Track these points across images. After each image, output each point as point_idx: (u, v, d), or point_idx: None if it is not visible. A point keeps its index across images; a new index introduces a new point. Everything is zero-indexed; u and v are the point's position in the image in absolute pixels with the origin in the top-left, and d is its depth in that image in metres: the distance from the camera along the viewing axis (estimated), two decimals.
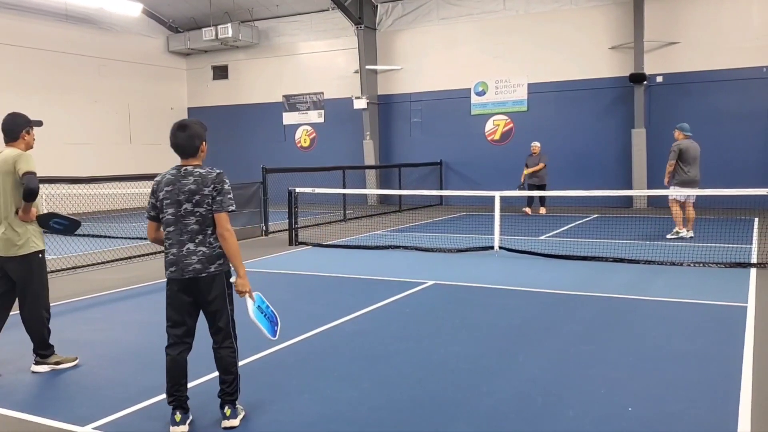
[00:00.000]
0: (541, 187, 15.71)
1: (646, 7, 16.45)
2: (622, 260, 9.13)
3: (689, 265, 8.72)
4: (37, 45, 18.84)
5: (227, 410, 3.89)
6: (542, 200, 16.24)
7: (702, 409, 4.02)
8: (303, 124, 21.97)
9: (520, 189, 15.98)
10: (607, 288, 7.49)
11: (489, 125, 18.93)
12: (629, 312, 6.53)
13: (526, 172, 16.15)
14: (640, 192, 13.37)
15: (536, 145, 16.29)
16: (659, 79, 16.74)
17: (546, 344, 5.45)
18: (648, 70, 16.53)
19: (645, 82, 16.51)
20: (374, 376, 4.72)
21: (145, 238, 12.41)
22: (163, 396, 3.94)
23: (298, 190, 12.16)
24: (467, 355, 5.20)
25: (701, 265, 8.71)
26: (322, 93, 21.53)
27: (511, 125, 18.67)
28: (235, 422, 3.87)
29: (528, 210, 16.05)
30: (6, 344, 5.80)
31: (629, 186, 16.65)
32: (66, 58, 19.63)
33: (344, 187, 16.12)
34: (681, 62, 16.51)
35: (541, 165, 15.94)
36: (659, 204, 15.98)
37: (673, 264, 8.82)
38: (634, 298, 7.04)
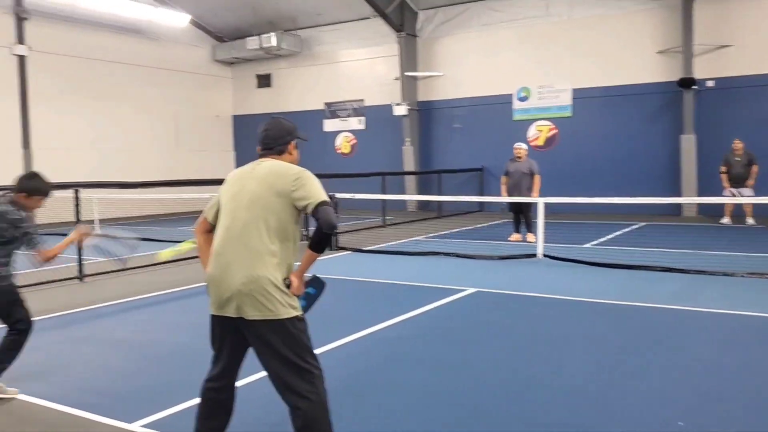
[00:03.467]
0: (527, 208, 12.00)
1: (696, 10, 16.08)
2: (670, 270, 8.88)
3: (743, 276, 8.43)
4: (91, 55, 19.42)
5: None
6: (529, 224, 12.04)
7: (761, 427, 3.88)
8: (343, 130, 22.11)
9: (503, 212, 12.59)
10: (655, 298, 7.30)
11: (532, 131, 18.74)
12: (678, 323, 6.35)
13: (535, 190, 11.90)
14: (689, 199, 13.01)
15: (522, 147, 12.41)
16: (710, 83, 16.31)
17: (592, 354, 5.33)
18: (698, 75, 16.14)
19: (694, 87, 16.12)
20: (415, 383, 4.69)
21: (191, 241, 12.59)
22: None
23: (337, 195, 12.22)
24: (511, 364, 5.13)
25: (756, 275, 8.41)
26: (363, 100, 21.63)
27: (555, 131, 18.44)
28: None
29: (517, 236, 12.35)
30: (57, 342, 5.97)
31: (678, 193, 16.23)
32: (117, 67, 20.18)
33: (384, 192, 16.14)
34: (733, 66, 16.06)
35: (538, 180, 12.01)
36: (711, 212, 15.53)
37: (725, 274, 8.52)
38: (683, 309, 6.83)
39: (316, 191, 3.14)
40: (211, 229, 3.36)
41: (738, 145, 14.13)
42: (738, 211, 14.52)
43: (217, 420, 3.30)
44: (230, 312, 3.09)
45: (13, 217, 4.49)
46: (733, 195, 13.65)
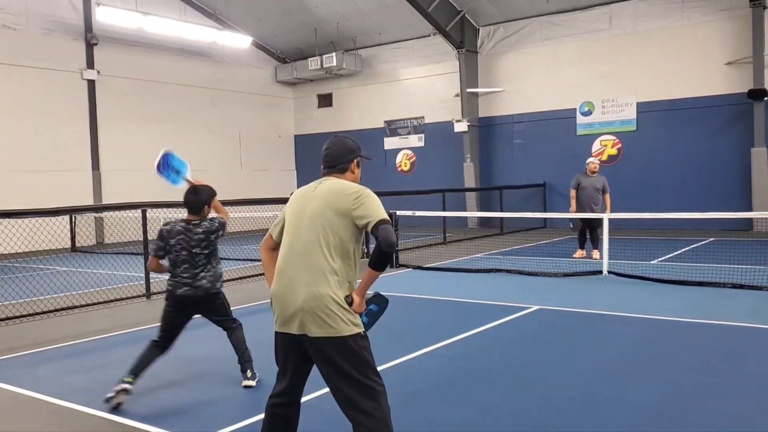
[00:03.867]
0: (596, 224, 11.76)
1: (767, 19, 15.49)
2: (742, 286, 8.52)
3: None
4: (157, 78, 20.17)
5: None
6: (595, 241, 11.90)
7: None
8: (403, 148, 22.20)
9: (574, 226, 11.70)
10: (726, 315, 7.01)
11: (596, 146, 18.37)
12: (751, 342, 6.08)
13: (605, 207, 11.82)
14: (761, 214, 12.48)
15: (595, 162, 12.38)
16: None
17: (659, 374, 5.15)
18: None
19: (766, 99, 15.49)
20: (477, 402, 4.63)
21: (254, 260, 12.81)
22: None
23: (398, 213, 12.25)
24: (575, 383, 5.00)
25: None
26: (423, 117, 21.69)
27: (620, 145, 18.02)
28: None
29: (581, 253, 12.18)
30: (126, 358, 6.16)
31: (749, 208, 15.57)
32: (182, 89, 20.88)
33: (444, 209, 16.08)
34: None
35: (609, 198, 12.01)
36: None
37: None
38: (757, 327, 6.54)
39: (375, 210, 3.14)
40: (275, 246, 3.41)
41: None
42: None
43: None
44: (294, 329, 3.12)
45: (215, 227, 5.11)
46: None
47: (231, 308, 5.40)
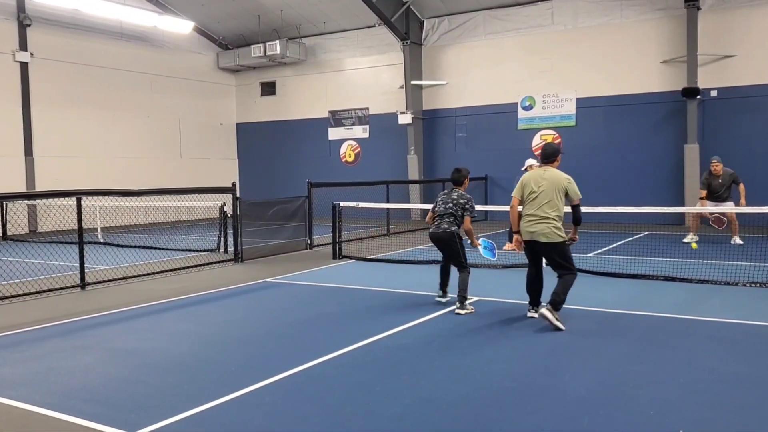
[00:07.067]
0: None
1: (700, 20, 16.08)
2: (673, 279, 8.87)
3: (745, 285, 8.41)
4: (94, 62, 19.49)
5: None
6: None
7: None
8: (348, 139, 22.14)
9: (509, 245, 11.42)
10: (657, 307, 7.28)
11: (536, 140, 18.73)
12: (681, 332, 6.32)
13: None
14: (691, 209, 13.01)
15: (534, 163, 11.81)
16: (713, 93, 16.29)
17: (593, 363, 5.31)
18: (701, 84, 16.12)
19: (698, 97, 16.10)
20: (417, 392, 4.67)
21: (192, 250, 12.64)
22: (209, 405, 3.99)
23: (342, 204, 12.22)
24: (512, 372, 5.11)
25: (758, 285, 8.39)
26: (368, 108, 21.67)
27: (559, 140, 18.44)
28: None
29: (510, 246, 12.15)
30: (58, 350, 5.96)
31: (681, 203, 16.20)
32: (120, 74, 20.25)
33: (388, 201, 16.13)
34: (737, 76, 16.05)
35: None
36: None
37: (727, 284, 8.52)
38: (685, 318, 6.81)
39: (576, 191, 6.63)
40: (519, 203, 6.74)
41: (717, 167, 12.51)
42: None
43: (536, 289, 6.92)
44: (534, 238, 6.56)
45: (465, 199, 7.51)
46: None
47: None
